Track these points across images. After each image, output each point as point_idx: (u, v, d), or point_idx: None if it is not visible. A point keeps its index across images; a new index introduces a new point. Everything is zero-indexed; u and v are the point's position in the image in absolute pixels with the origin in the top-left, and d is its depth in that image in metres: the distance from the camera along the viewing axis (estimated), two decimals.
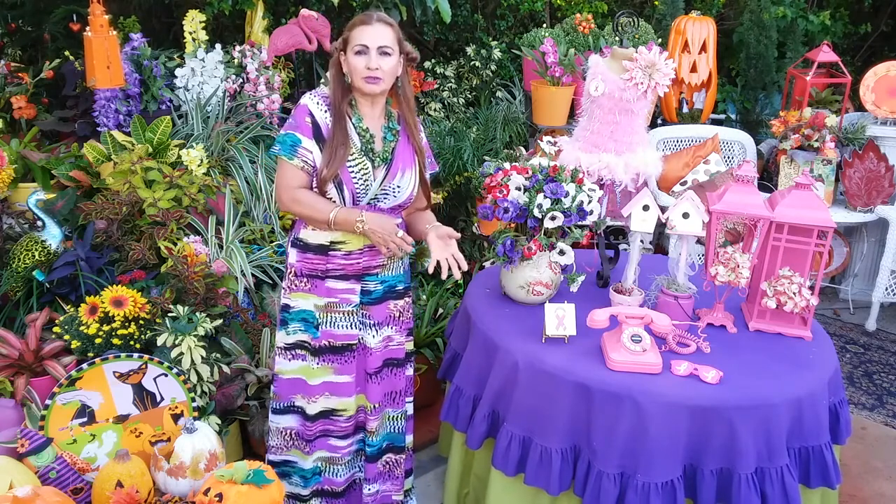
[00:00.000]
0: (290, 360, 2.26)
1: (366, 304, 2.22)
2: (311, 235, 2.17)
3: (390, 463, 2.43)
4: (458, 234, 2.13)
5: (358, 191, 2.09)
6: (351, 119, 2.11)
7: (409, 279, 2.34)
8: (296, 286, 2.21)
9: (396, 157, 2.14)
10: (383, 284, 2.24)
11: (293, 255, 2.21)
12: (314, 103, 2.10)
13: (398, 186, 2.13)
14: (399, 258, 2.14)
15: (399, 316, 2.30)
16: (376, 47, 2.02)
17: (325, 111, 2.10)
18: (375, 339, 2.25)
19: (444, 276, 2.08)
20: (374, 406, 2.31)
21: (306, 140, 2.08)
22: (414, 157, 2.18)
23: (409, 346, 2.39)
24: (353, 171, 2.08)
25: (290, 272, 2.22)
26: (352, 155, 2.08)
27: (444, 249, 2.10)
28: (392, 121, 2.17)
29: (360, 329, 2.23)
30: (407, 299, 2.33)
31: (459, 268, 2.09)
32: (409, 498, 2.55)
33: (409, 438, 2.48)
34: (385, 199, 2.13)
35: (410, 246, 2.09)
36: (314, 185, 2.12)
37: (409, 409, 2.45)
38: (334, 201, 2.09)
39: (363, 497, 2.41)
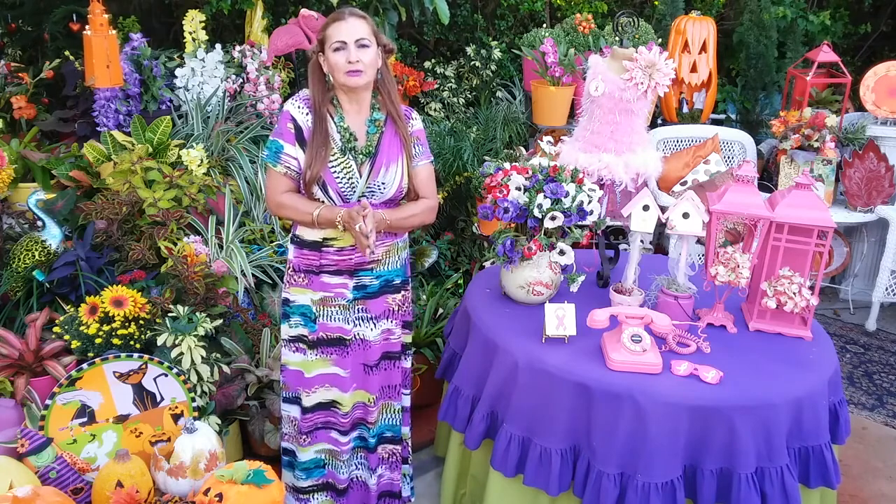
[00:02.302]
0: (293, 352, 2.30)
1: (361, 298, 2.24)
2: (306, 232, 2.20)
3: (394, 453, 2.47)
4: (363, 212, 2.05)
5: (343, 190, 2.11)
6: (333, 118, 2.14)
7: (406, 273, 2.35)
8: (294, 281, 2.25)
9: (381, 152, 2.16)
10: (379, 279, 2.26)
11: (291, 251, 2.26)
12: (295, 108, 2.13)
13: (383, 183, 2.15)
14: (370, 250, 2.05)
15: (397, 309, 2.32)
16: (354, 41, 2.04)
17: (307, 114, 2.13)
18: (374, 332, 2.28)
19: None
20: (375, 398, 2.34)
21: (288, 146, 2.12)
22: (401, 148, 2.19)
23: (407, 339, 2.41)
24: (335, 171, 2.11)
25: (290, 267, 2.27)
26: (333, 155, 2.11)
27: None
28: (375, 112, 2.18)
29: (354, 324, 2.26)
30: (404, 293, 2.35)
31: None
32: (403, 482, 2.56)
33: (406, 430, 2.51)
34: (373, 195, 2.15)
35: (365, 237, 2.00)
36: (302, 189, 2.15)
37: (406, 401, 2.47)
38: (322, 202, 2.12)
39: (370, 487, 2.44)
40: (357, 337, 2.27)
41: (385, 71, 2.17)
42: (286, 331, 2.30)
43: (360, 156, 2.14)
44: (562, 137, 2.80)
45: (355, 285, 2.23)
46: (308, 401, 2.31)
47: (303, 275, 2.23)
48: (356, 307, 2.25)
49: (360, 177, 2.13)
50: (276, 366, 2.73)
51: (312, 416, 2.33)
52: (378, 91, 2.19)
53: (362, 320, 2.26)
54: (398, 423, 2.45)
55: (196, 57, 3.69)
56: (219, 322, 2.67)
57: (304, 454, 2.37)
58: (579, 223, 2.37)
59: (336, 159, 2.11)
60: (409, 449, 2.57)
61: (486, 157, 3.69)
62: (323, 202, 2.12)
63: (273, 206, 2.18)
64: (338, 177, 2.11)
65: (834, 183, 4.06)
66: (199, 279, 2.68)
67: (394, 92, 2.19)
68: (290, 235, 2.28)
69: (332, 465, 2.39)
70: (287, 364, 2.32)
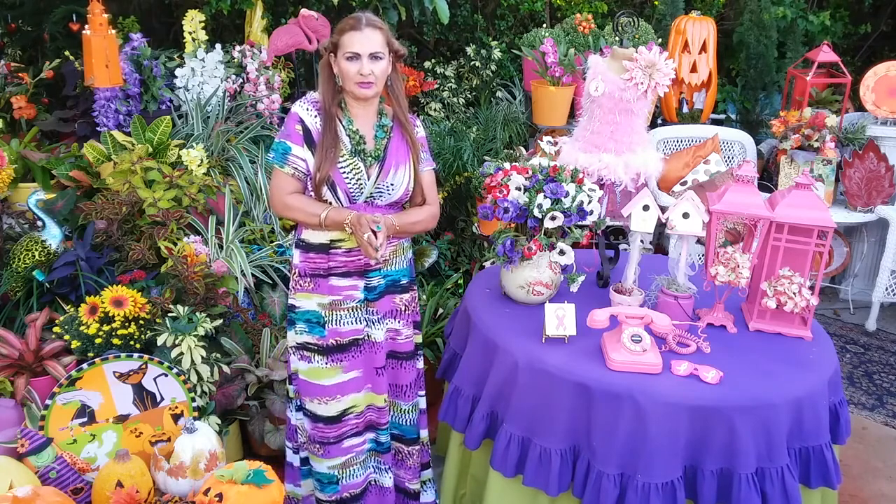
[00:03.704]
0: (300, 359, 2.29)
1: (370, 299, 2.24)
2: (312, 235, 2.19)
3: (402, 452, 2.46)
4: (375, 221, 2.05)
5: (352, 191, 2.11)
6: (341, 121, 2.14)
7: (412, 273, 2.35)
8: (300, 286, 2.23)
9: (389, 155, 2.16)
10: (386, 279, 2.26)
11: (297, 256, 2.24)
12: (304, 110, 2.13)
13: (391, 184, 2.15)
14: (374, 258, 2.07)
15: (404, 309, 2.32)
16: (367, 53, 2.04)
17: (315, 116, 2.12)
18: (382, 332, 2.27)
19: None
20: (385, 399, 2.33)
21: (296, 148, 2.11)
22: (408, 152, 2.19)
23: (418, 339, 2.41)
24: (344, 173, 2.10)
25: (295, 273, 2.25)
26: (342, 156, 2.11)
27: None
28: (384, 117, 2.19)
29: (365, 324, 2.25)
30: (412, 293, 2.35)
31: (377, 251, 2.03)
32: (425, 489, 2.56)
33: (424, 433, 2.49)
34: (381, 196, 2.15)
35: (375, 250, 2.01)
36: (309, 190, 2.15)
37: (422, 402, 2.47)
38: (330, 203, 2.12)
39: (386, 488, 2.43)
40: (368, 338, 2.26)
41: (395, 77, 2.16)
42: (292, 338, 2.28)
43: (370, 158, 2.14)
44: (561, 137, 2.80)
45: (366, 286, 2.22)
46: (321, 410, 2.28)
47: (308, 279, 2.21)
48: (366, 308, 2.24)
49: (369, 178, 2.13)
50: (275, 366, 2.73)
51: (325, 427, 2.29)
52: (386, 97, 2.19)
53: (372, 322, 2.25)
54: (412, 424, 2.43)
55: (196, 57, 3.69)
56: (219, 322, 2.67)
57: (319, 465, 2.35)
58: (579, 223, 2.36)
59: (345, 160, 2.11)
60: (429, 452, 2.54)
61: (486, 157, 3.69)
62: (331, 203, 2.12)
63: (279, 208, 2.16)
64: (347, 177, 2.10)
65: (834, 183, 4.06)
66: (199, 279, 2.69)
67: (402, 97, 2.18)
68: (294, 240, 2.27)
69: (345, 476, 2.35)
70: (298, 372, 2.30)
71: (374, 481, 2.43)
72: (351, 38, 2.04)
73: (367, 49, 2.03)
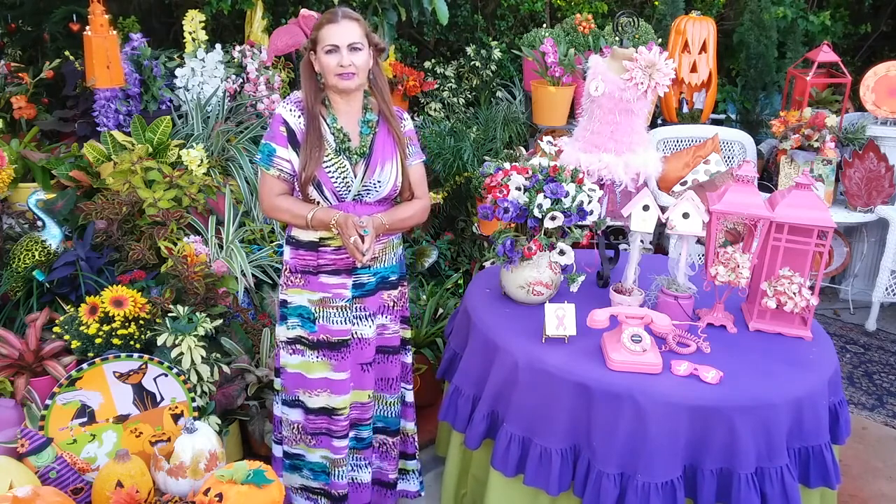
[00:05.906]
0: (291, 353, 2.29)
1: (359, 297, 2.25)
2: (301, 233, 2.20)
3: (386, 444, 2.49)
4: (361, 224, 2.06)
5: (339, 190, 2.11)
6: (325, 119, 2.14)
7: (402, 269, 2.36)
8: (291, 282, 2.25)
9: (375, 151, 2.16)
10: (376, 276, 2.27)
11: (287, 252, 2.25)
12: (287, 111, 2.13)
13: (378, 181, 2.15)
14: (360, 261, 2.08)
15: (393, 305, 2.33)
16: (346, 44, 2.04)
17: (299, 116, 2.12)
18: (371, 328, 2.28)
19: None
20: (370, 394, 2.35)
21: (281, 149, 2.12)
22: (395, 147, 2.19)
23: (406, 334, 2.42)
24: (330, 172, 2.10)
25: (286, 268, 2.26)
26: (327, 155, 2.11)
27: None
28: (369, 112, 2.18)
29: (353, 324, 2.25)
30: (401, 289, 2.36)
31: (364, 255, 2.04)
32: (408, 478, 2.58)
33: (410, 425, 2.52)
34: (368, 194, 2.15)
35: (361, 254, 2.03)
36: (297, 190, 2.15)
37: (409, 396, 2.49)
38: (318, 203, 2.12)
39: (366, 484, 2.44)
40: (356, 336, 2.27)
41: (377, 71, 2.17)
42: (283, 332, 2.29)
43: (355, 156, 2.14)
44: (561, 137, 2.80)
45: (354, 283, 2.23)
46: (311, 402, 2.30)
47: (299, 275, 2.22)
48: (354, 306, 2.25)
49: (355, 177, 2.13)
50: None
51: (316, 418, 2.32)
52: (370, 91, 2.20)
53: (360, 319, 2.26)
54: (392, 416, 2.46)
55: (196, 57, 3.69)
56: (219, 322, 2.67)
57: (312, 455, 2.37)
58: (579, 223, 2.37)
59: (330, 159, 2.11)
60: (416, 444, 2.57)
61: (486, 157, 3.69)
62: (318, 203, 2.13)
63: (268, 209, 2.17)
64: (332, 177, 2.11)
65: (834, 183, 4.06)
66: (199, 279, 2.69)
67: (386, 92, 2.19)
68: (285, 236, 2.28)
69: (334, 473, 2.38)
70: (286, 366, 2.31)
71: (353, 479, 2.44)
72: (328, 31, 2.05)
73: (346, 40, 2.04)
